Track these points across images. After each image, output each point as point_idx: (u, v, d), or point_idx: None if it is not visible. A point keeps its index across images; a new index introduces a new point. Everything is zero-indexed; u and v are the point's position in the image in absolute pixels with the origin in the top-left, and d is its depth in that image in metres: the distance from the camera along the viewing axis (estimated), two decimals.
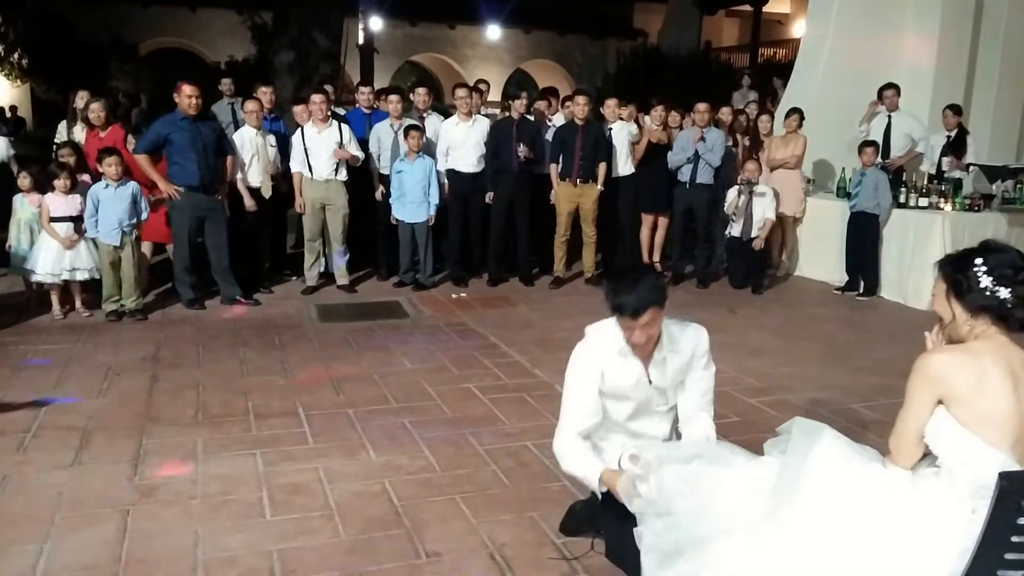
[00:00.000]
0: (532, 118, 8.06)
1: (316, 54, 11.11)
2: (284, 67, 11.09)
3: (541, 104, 8.44)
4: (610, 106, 7.92)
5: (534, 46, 22.87)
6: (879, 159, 7.74)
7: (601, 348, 2.85)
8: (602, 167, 7.52)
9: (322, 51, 11.16)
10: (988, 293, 2.15)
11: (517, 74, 23.34)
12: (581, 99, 7.56)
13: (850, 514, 2.21)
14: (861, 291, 7.58)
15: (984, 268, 2.15)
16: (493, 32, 21.42)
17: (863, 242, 7.52)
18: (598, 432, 2.94)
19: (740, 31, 22.05)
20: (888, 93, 8.21)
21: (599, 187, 7.55)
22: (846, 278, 7.76)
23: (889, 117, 8.25)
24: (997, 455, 2.07)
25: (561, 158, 7.56)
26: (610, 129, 7.82)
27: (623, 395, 2.89)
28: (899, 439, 2.28)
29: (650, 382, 2.86)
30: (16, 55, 18.51)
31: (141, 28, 19.69)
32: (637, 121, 8.22)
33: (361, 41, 17.71)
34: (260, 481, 3.65)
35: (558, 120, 8.24)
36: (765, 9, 19.03)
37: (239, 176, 6.85)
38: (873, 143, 7.69)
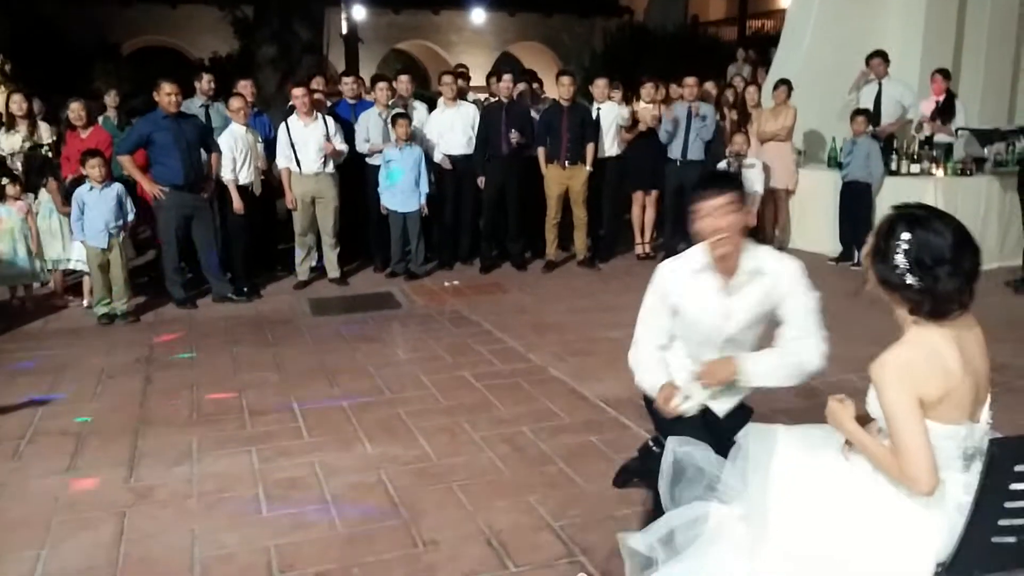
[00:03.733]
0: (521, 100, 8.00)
1: (298, 46, 11.00)
2: (267, 61, 10.98)
3: (522, 87, 8.34)
4: (599, 86, 7.86)
5: (520, 28, 22.71)
6: (870, 127, 7.69)
7: (678, 268, 2.85)
8: (590, 148, 7.47)
9: (304, 43, 11.04)
10: (898, 272, 1.96)
11: (504, 57, 23.19)
12: (565, 80, 7.50)
13: (825, 512, 2.09)
14: (856, 261, 7.55)
15: (904, 246, 1.96)
16: (478, 16, 21.28)
17: (856, 211, 7.49)
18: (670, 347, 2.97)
19: (728, 4, 21.92)
20: (876, 61, 8.15)
21: (587, 168, 7.50)
22: (840, 248, 7.73)
23: (879, 84, 8.20)
24: (959, 429, 2.00)
25: (548, 140, 7.51)
26: (599, 109, 7.76)
27: (691, 318, 2.83)
28: (913, 457, 1.92)
29: (721, 307, 2.78)
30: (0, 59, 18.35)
31: (123, 27, 19.53)
32: (629, 104, 8.15)
33: (345, 31, 17.56)
34: (256, 477, 3.64)
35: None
36: None
37: (229, 176, 6.75)
38: (864, 111, 7.65)
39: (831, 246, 7.86)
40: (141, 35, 20.17)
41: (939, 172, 7.42)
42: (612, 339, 5.27)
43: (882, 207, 7.45)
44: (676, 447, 2.41)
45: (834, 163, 8.08)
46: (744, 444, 2.32)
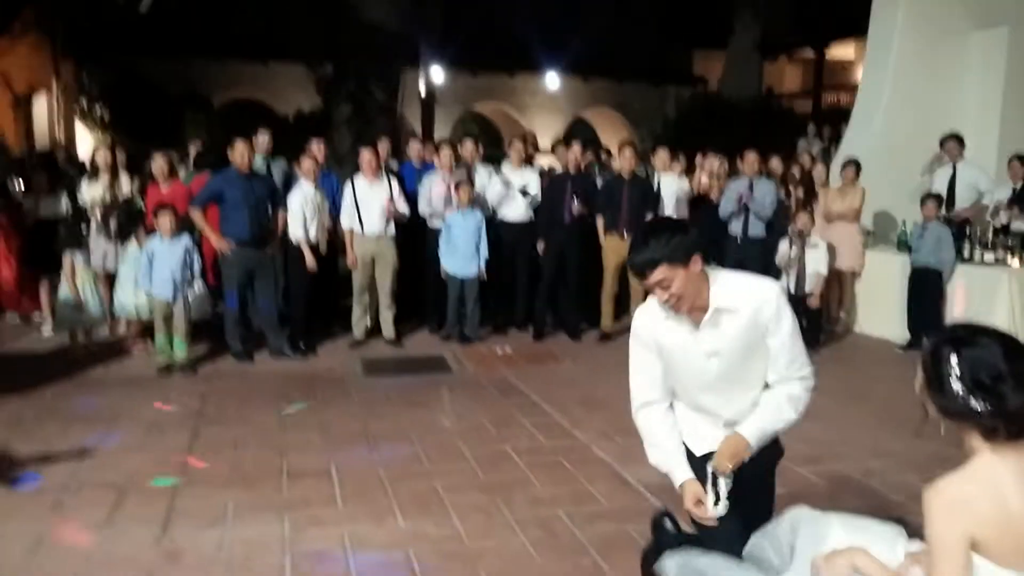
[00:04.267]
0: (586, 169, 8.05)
1: (374, 107, 11.37)
2: (342, 120, 11.37)
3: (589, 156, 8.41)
4: (661, 157, 7.85)
5: (593, 94, 22.97)
6: (942, 211, 7.47)
7: (651, 312, 2.68)
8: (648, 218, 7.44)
9: (379, 104, 11.41)
10: (960, 401, 1.80)
11: (576, 122, 23.46)
12: (627, 152, 7.52)
13: None
14: None
15: (956, 371, 1.81)
16: (552, 81, 21.60)
17: (925, 298, 7.23)
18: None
19: (803, 76, 21.79)
20: (950, 144, 7.95)
21: None
22: (908, 335, 7.45)
23: (954, 168, 7.98)
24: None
25: (608, 211, 7.50)
26: (659, 180, 7.74)
27: (675, 361, 2.68)
28: None
29: (701, 346, 2.61)
30: (99, 108, 19.39)
31: (216, 82, 20.45)
32: (692, 174, 8.13)
33: (422, 92, 18.05)
34: (284, 547, 3.62)
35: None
36: (828, 54, 18.79)
37: (300, 235, 6.91)
38: (935, 196, 7.44)
39: (899, 332, 7.58)
40: (232, 90, 21.07)
41: (1014, 262, 7.12)
42: None
43: (953, 295, 7.21)
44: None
45: (903, 246, 7.84)
46: (793, 525, 2.21)
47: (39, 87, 19.59)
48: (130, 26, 8.30)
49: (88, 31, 16.43)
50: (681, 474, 2.68)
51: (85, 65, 18.91)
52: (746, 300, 2.55)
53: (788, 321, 2.58)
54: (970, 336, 1.87)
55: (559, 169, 8.15)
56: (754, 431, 2.60)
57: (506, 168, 7.99)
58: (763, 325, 2.56)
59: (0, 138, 10.11)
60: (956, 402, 1.82)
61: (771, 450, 2.76)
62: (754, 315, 2.54)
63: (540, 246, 7.60)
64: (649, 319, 2.69)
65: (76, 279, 6.62)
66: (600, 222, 7.54)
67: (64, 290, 6.55)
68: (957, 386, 1.81)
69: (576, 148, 7.72)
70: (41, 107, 19.93)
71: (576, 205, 7.39)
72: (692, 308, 2.54)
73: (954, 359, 1.82)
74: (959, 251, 7.24)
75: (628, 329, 7.91)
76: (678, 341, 2.63)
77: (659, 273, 2.46)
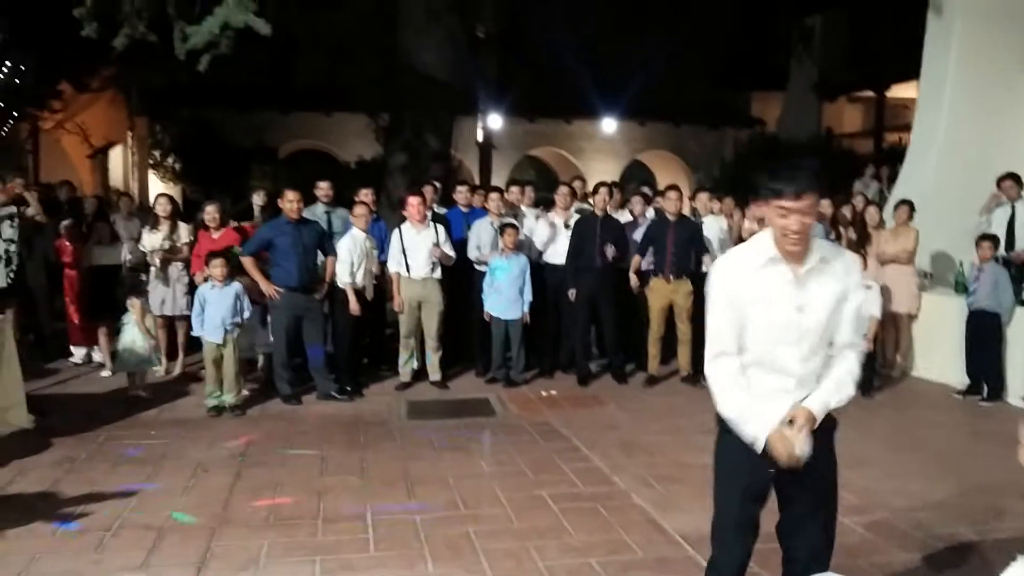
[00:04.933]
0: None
1: (427, 155, 11.60)
2: (397, 168, 11.62)
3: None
4: (702, 199, 7.82)
5: (649, 137, 23.01)
6: (1001, 252, 7.23)
7: (745, 258, 2.70)
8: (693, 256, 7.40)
9: (432, 152, 11.64)
10: None
11: (633, 164, 23.50)
12: (673, 194, 7.51)
13: None
14: (984, 396, 6.98)
15: None
16: (608, 125, 21.72)
17: (984, 342, 6.98)
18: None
19: (864, 117, 21.42)
20: (1008, 183, 7.73)
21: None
22: (967, 381, 7.18)
23: (1013, 207, 7.74)
24: None
25: (653, 254, 7.46)
26: (701, 222, 7.69)
27: (758, 313, 2.65)
28: None
29: (792, 299, 2.64)
30: (171, 159, 20.24)
31: (281, 132, 21.16)
32: (731, 215, 8.06)
33: (480, 138, 18.35)
34: None
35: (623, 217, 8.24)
36: (889, 94, 18.46)
37: (347, 280, 7.05)
38: (992, 236, 7.21)
39: (958, 377, 7.32)
40: (296, 139, 21.75)
41: None
42: (705, 465, 4.96)
43: (1014, 339, 6.96)
44: None
45: (961, 289, 7.60)
46: None
47: (115, 140, 20.61)
48: (200, 81, 8.72)
49: (161, 87, 17.23)
50: (760, 425, 2.62)
51: (158, 119, 19.81)
52: (839, 256, 2.70)
53: (863, 292, 2.79)
54: None
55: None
56: (819, 406, 2.65)
57: (554, 212, 8.06)
58: (847, 286, 2.65)
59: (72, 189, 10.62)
60: None
61: (828, 423, 2.76)
62: (844, 274, 2.66)
63: (571, 292, 7.57)
64: (737, 270, 2.70)
65: (146, 321, 6.86)
66: (635, 262, 7.49)
67: (130, 334, 6.77)
68: None
69: (603, 191, 7.70)
70: (117, 159, 20.94)
71: (609, 249, 7.35)
72: (795, 256, 2.61)
73: None
74: (1018, 293, 6.99)
75: (675, 373, 7.83)
76: (767, 294, 2.64)
77: (810, 199, 2.52)
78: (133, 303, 6.79)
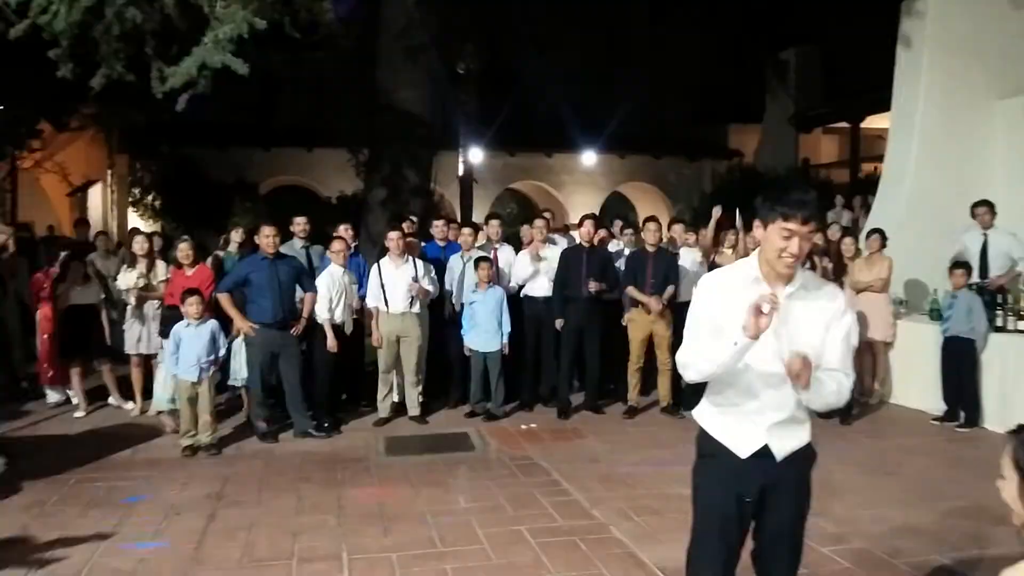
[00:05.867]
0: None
1: (407, 190, 11.60)
2: (377, 203, 11.62)
3: (602, 233, 8.44)
4: (676, 231, 7.89)
5: (629, 170, 23.21)
6: (975, 279, 7.31)
7: (730, 276, 2.76)
8: (669, 289, 7.41)
9: (412, 187, 11.65)
10: None
11: (613, 196, 23.66)
12: (651, 226, 7.56)
13: None
14: (961, 421, 7.02)
15: None
16: (589, 158, 21.91)
17: (960, 369, 7.04)
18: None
19: (840, 147, 21.72)
20: (981, 210, 7.84)
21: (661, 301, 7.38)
22: (944, 407, 7.22)
23: (985, 235, 7.85)
24: None
25: (633, 284, 7.49)
26: (677, 254, 7.75)
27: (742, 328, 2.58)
28: None
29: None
30: (151, 197, 20.19)
31: (262, 168, 21.18)
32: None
33: (461, 172, 18.45)
34: None
35: (613, 246, 8.27)
36: (864, 125, 18.73)
37: (325, 316, 7.03)
38: (964, 264, 7.30)
39: (935, 404, 7.37)
40: (278, 175, 21.77)
41: None
42: (685, 496, 4.96)
43: (989, 365, 7.01)
44: None
45: (936, 316, 7.67)
46: None
47: (95, 178, 20.54)
48: (181, 119, 8.73)
49: (141, 125, 17.23)
50: (731, 337, 2.54)
51: (138, 157, 19.78)
52: (822, 285, 2.78)
53: (850, 319, 2.74)
54: None
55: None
56: (814, 372, 2.55)
57: (532, 245, 8.08)
58: (830, 314, 2.68)
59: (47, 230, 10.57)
60: None
61: (806, 455, 2.79)
62: (827, 301, 2.71)
63: (559, 323, 7.58)
64: (722, 284, 2.75)
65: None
66: (633, 290, 7.49)
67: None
68: None
69: (589, 223, 7.74)
70: (96, 197, 20.84)
71: (593, 285, 7.38)
72: (781, 280, 2.64)
73: None
74: (992, 320, 7.06)
75: (655, 404, 7.80)
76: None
77: (812, 227, 2.60)
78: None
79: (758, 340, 2.49)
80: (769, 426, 2.68)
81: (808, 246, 2.61)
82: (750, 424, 2.70)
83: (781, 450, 2.71)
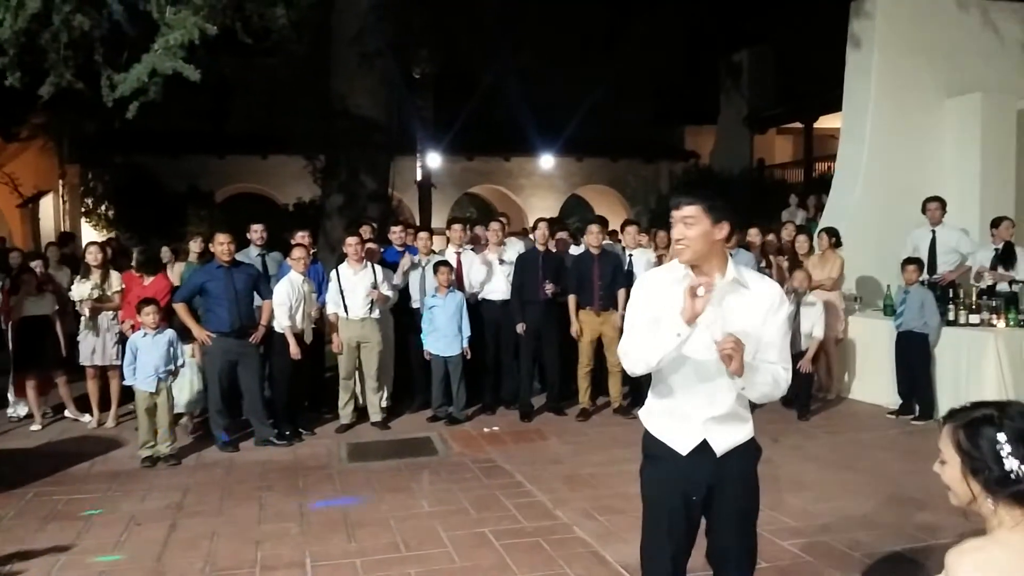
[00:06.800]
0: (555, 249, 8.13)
1: (364, 195, 11.54)
2: (334, 209, 11.55)
3: (562, 234, 8.51)
4: (630, 232, 7.97)
5: (587, 172, 23.35)
6: (925, 275, 7.49)
7: (659, 276, 2.84)
8: (621, 294, 7.43)
9: (369, 192, 11.59)
10: (1014, 477, 1.72)
11: (572, 199, 23.77)
12: (593, 228, 7.64)
13: None
14: (916, 415, 7.18)
15: (1008, 447, 1.72)
16: (547, 162, 21.99)
17: (913, 363, 7.19)
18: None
19: (793, 147, 22.11)
20: (932, 206, 8.04)
21: (620, 314, 7.42)
22: (899, 401, 7.38)
23: (933, 232, 8.04)
24: None
25: (580, 287, 7.54)
26: (631, 255, 7.82)
27: (674, 320, 2.62)
28: None
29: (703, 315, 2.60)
30: (104, 207, 19.82)
31: (217, 176, 20.88)
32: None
33: (419, 177, 18.41)
34: None
35: (575, 250, 8.33)
36: (816, 125, 19.09)
37: (286, 323, 6.95)
38: (915, 260, 7.46)
39: (891, 398, 7.52)
40: (233, 183, 21.49)
41: (1000, 323, 7.10)
42: None
43: (942, 358, 7.18)
44: None
45: (889, 311, 7.84)
46: None
47: (46, 188, 20.10)
48: (133, 127, 8.58)
49: (93, 134, 16.93)
50: (670, 324, 2.59)
51: (90, 166, 19.41)
52: (756, 283, 2.77)
53: (785, 314, 2.77)
54: (998, 410, 1.82)
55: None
56: (747, 359, 2.57)
57: (488, 249, 8.09)
58: (764, 311, 2.71)
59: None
60: (1009, 478, 1.75)
61: (749, 450, 2.81)
62: (759, 299, 2.72)
63: (520, 327, 7.59)
64: (654, 283, 2.82)
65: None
66: (572, 300, 7.54)
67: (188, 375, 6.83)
68: (1015, 464, 1.75)
69: (543, 226, 7.77)
70: (48, 208, 20.40)
71: (548, 286, 7.42)
72: (699, 271, 2.66)
73: (999, 436, 1.77)
74: (944, 314, 7.23)
75: (607, 405, 7.87)
76: (676, 300, 2.64)
77: (691, 211, 2.64)
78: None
79: (695, 326, 2.56)
80: (705, 420, 2.71)
81: (693, 231, 2.63)
82: (687, 421, 2.74)
83: (720, 446, 2.73)
